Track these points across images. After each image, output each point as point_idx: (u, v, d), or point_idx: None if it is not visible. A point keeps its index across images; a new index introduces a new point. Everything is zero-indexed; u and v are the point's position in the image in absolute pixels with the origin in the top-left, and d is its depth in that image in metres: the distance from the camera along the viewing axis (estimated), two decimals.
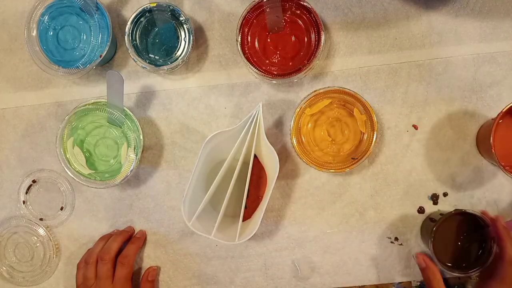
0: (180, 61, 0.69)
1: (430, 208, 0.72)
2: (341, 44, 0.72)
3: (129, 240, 0.73)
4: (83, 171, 0.69)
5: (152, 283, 0.72)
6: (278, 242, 0.73)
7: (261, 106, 0.62)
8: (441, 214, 0.68)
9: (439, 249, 0.66)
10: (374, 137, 0.67)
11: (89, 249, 0.72)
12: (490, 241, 0.65)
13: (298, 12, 0.67)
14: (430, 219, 0.70)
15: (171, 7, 0.68)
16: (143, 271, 0.74)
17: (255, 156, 0.67)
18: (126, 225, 0.74)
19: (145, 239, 0.74)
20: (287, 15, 0.67)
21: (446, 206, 0.72)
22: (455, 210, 0.66)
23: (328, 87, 0.68)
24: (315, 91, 0.68)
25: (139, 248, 0.72)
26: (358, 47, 0.72)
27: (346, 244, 0.73)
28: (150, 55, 0.70)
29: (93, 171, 0.70)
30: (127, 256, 0.70)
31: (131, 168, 0.68)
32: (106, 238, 0.72)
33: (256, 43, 0.68)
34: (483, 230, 0.66)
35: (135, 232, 0.74)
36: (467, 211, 0.65)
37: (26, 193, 0.75)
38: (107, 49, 0.68)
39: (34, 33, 0.69)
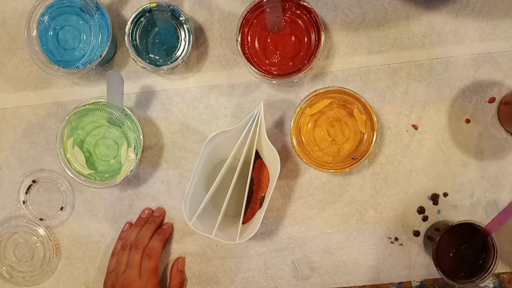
0: (180, 61, 0.69)
1: (430, 208, 0.72)
2: (341, 44, 0.72)
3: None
4: (83, 171, 0.69)
5: (183, 273, 0.73)
6: (278, 242, 0.73)
7: (262, 106, 0.62)
8: (444, 224, 0.67)
9: (442, 260, 0.66)
10: (374, 137, 0.67)
11: (121, 236, 0.72)
12: (490, 250, 0.65)
13: (298, 12, 0.67)
14: (435, 229, 0.70)
15: (171, 7, 0.68)
16: (170, 263, 0.74)
17: (257, 154, 0.66)
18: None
19: (172, 230, 0.74)
20: (287, 15, 0.67)
21: (446, 206, 0.72)
22: (458, 221, 0.65)
23: (328, 87, 0.68)
24: (315, 91, 0.68)
25: (165, 239, 0.72)
26: (358, 47, 0.72)
27: (346, 244, 0.73)
28: (150, 55, 0.70)
29: (93, 171, 0.70)
30: (153, 248, 0.69)
31: (131, 168, 0.68)
32: (141, 224, 0.72)
33: (256, 43, 0.68)
34: (482, 239, 0.65)
35: (164, 215, 0.74)
36: (470, 222, 0.65)
37: (26, 193, 0.75)
38: (107, 49, 0.68)
39: (34, 33, 0.69)
